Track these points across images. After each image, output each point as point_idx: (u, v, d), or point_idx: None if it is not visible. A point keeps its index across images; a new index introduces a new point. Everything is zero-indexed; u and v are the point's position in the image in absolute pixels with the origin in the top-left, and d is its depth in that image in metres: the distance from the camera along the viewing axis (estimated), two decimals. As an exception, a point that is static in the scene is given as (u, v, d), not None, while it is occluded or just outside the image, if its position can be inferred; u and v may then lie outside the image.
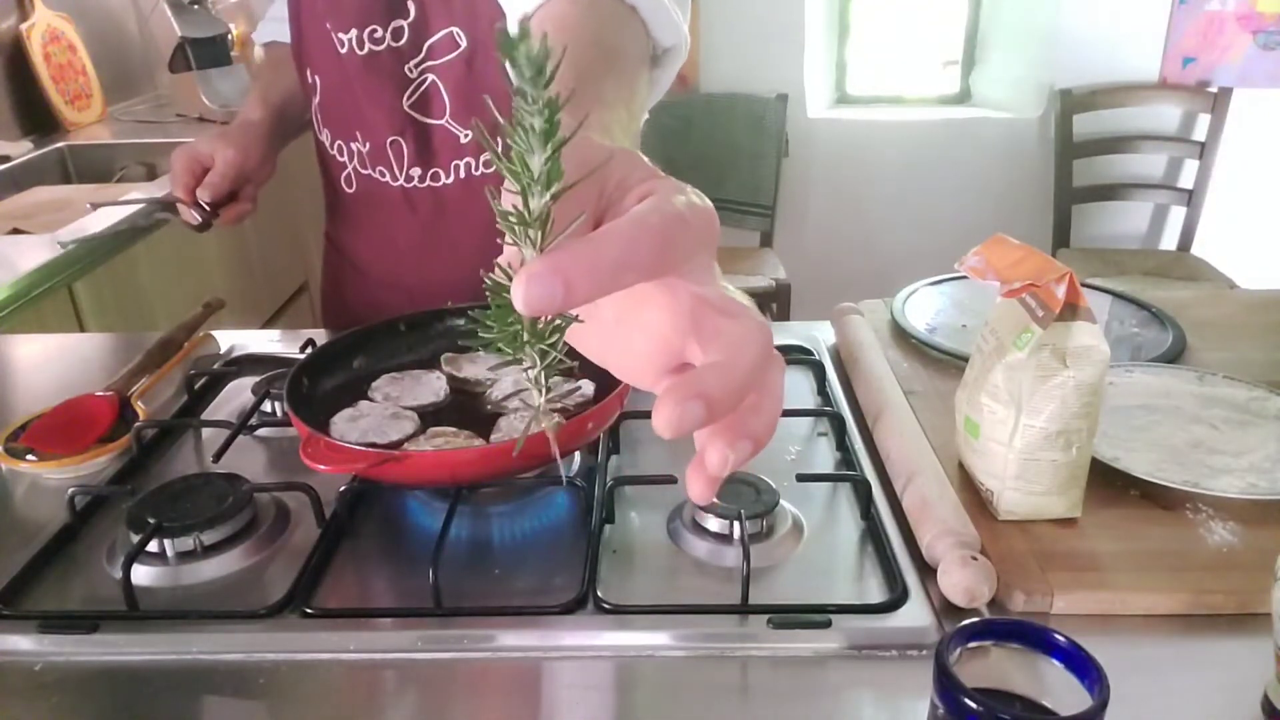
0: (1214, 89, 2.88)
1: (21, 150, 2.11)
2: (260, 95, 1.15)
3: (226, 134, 1.08)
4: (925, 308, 1.09)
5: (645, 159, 0.37)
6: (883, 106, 3.23)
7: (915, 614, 0.63)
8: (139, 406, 0.92)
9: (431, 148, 1.01)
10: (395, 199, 1.05)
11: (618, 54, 0.61)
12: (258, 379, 0.95)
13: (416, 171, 1.02)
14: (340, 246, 1.20)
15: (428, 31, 0.96)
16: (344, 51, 0.98)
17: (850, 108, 3.24)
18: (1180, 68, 2.90)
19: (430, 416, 0.81)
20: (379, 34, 0.96)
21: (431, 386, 0.85)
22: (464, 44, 0.95)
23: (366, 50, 0.97)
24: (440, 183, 1.02)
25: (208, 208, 1.05)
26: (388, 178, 1.04)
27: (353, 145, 1.05)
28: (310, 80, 1.07)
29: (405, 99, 0.99)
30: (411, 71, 0.97)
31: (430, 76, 0.97)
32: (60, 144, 2.22)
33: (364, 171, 1.06)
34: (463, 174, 1.01)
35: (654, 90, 0.71)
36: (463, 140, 1.00)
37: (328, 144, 1.09)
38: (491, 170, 0.97)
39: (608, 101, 0.53)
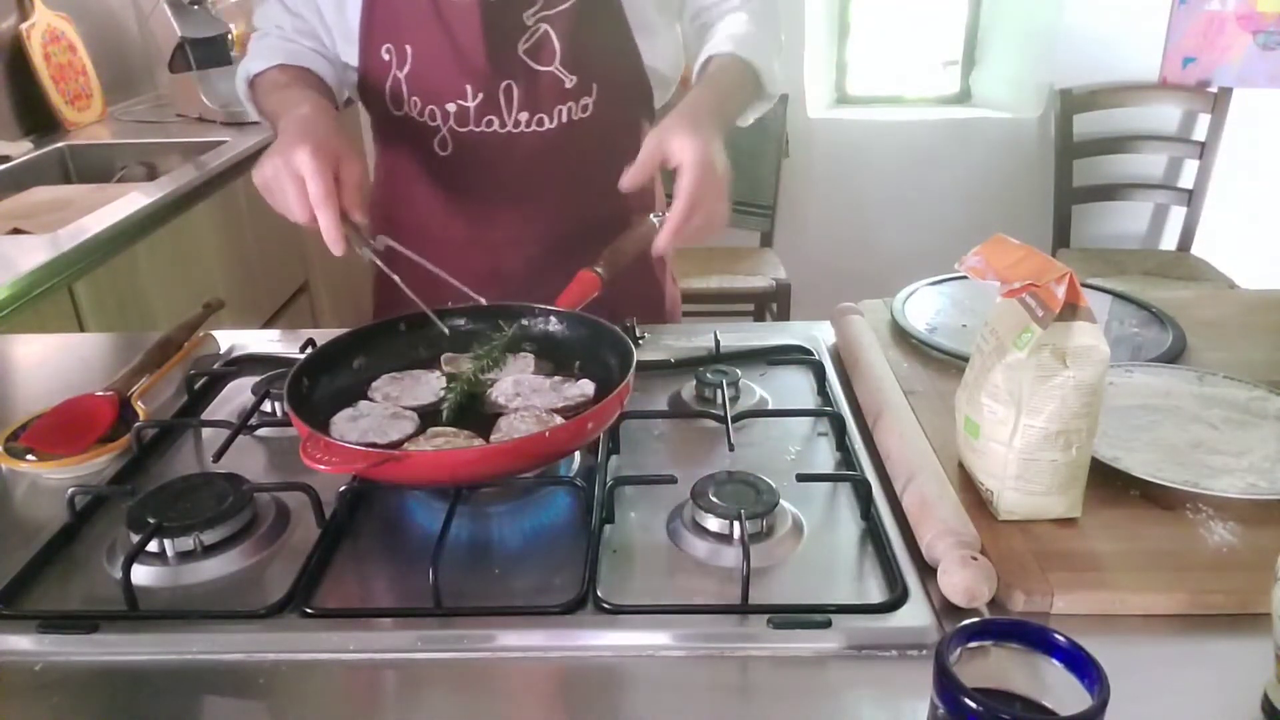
0: (1214, 89, 2.88)
1: (21, 150, 2.11)
2: (301, 96, 1.02)
3: (323, 147, 0.89)
4: (925, 308, 1.09)
5: (691, 119, 0.94)
6: (883, 106, 3.23)
7: (915, 614, 0.64)
8: (139, 406, 0.92)
9: (539, 93, 1.09)
10: (496, 148, 1.11)
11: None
12: (258, 379, 0.95)
13: (524, 116, 1.10)
14: (417, 220, 1.16)
15: None
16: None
17: (850, 108, 3.23)
18: (1180, 68, 2.90)
19: (430, 416, 0.81)
20: None
21: (431, 386, 0.85)
22: None
23: None
24: (544, 127, 1.10)
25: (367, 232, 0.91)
26: (495, 125, 1.10)
27: (448, 106, 1.09)
28: (390, 58, 1.08)
29: (521, 45, 1.07)
30: (529, 20, 1.06)
31: (544, 26, 1.07)
32: (60, 144, 2.21)
33: (462, 130, 1.10)
34: (564, 118, 1.10)
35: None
36: (567, 85, 1.09)
37: (416, 112, 1.10)
38: (588, 114, 1.12)
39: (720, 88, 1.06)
